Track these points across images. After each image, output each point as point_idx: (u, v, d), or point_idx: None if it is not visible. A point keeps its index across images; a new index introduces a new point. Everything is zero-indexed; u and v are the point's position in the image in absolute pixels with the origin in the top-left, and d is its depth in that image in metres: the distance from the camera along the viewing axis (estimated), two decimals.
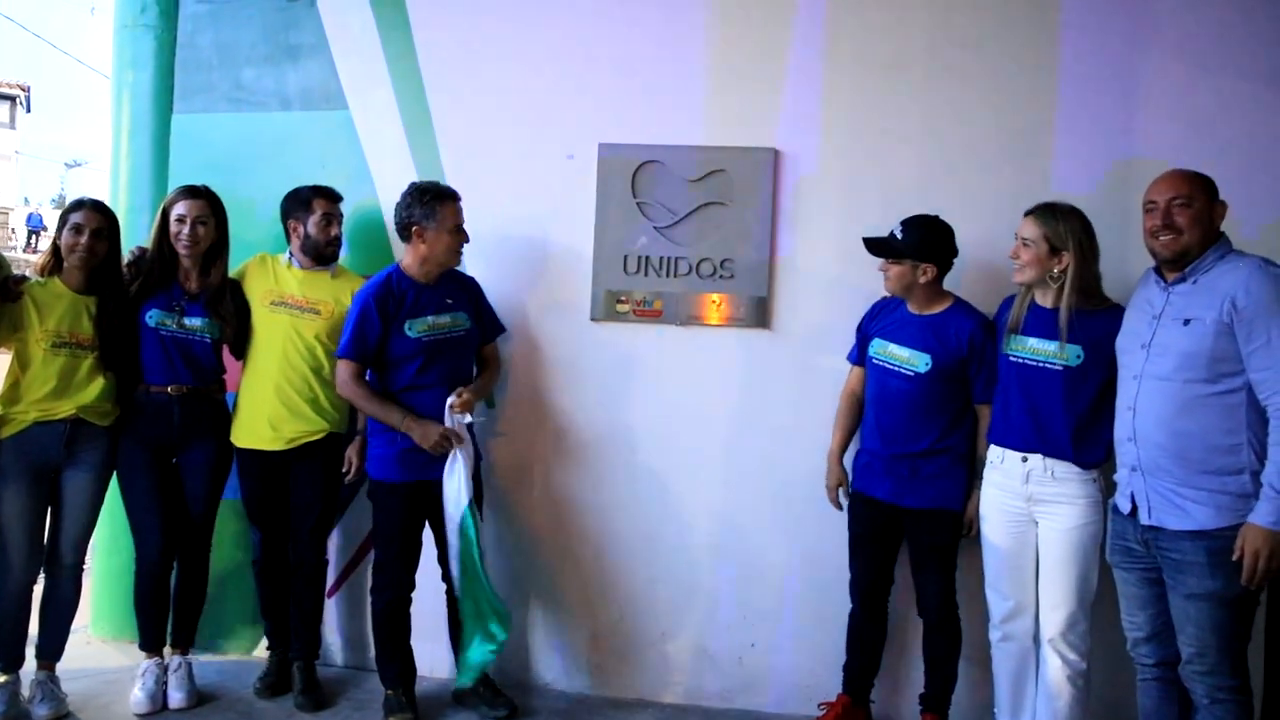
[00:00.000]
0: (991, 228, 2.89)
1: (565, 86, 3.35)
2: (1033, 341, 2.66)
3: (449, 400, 2.97)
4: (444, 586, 3.11)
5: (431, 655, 3.24)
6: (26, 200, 31.45)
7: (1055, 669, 2.65)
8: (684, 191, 3.27)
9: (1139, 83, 3.03)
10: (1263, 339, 2.23)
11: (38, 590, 3.02)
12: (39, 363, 2.90)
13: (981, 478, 2.81)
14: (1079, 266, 2.57)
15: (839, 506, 3.06)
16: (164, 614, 3.17)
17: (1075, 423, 2.60)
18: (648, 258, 3.29)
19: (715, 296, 3.26)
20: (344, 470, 3.23)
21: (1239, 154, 2.88)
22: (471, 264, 3.23)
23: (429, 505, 3.01)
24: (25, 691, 3.00)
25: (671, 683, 3.33)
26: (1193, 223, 2.36)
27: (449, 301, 3.05)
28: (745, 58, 3.24)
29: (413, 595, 3.09)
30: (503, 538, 3.39)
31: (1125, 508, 2.46)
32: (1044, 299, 2.66)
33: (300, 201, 3.16)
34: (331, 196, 3.18)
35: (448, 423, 2.95)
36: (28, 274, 3.03)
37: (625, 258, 3.30)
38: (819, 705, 3.08)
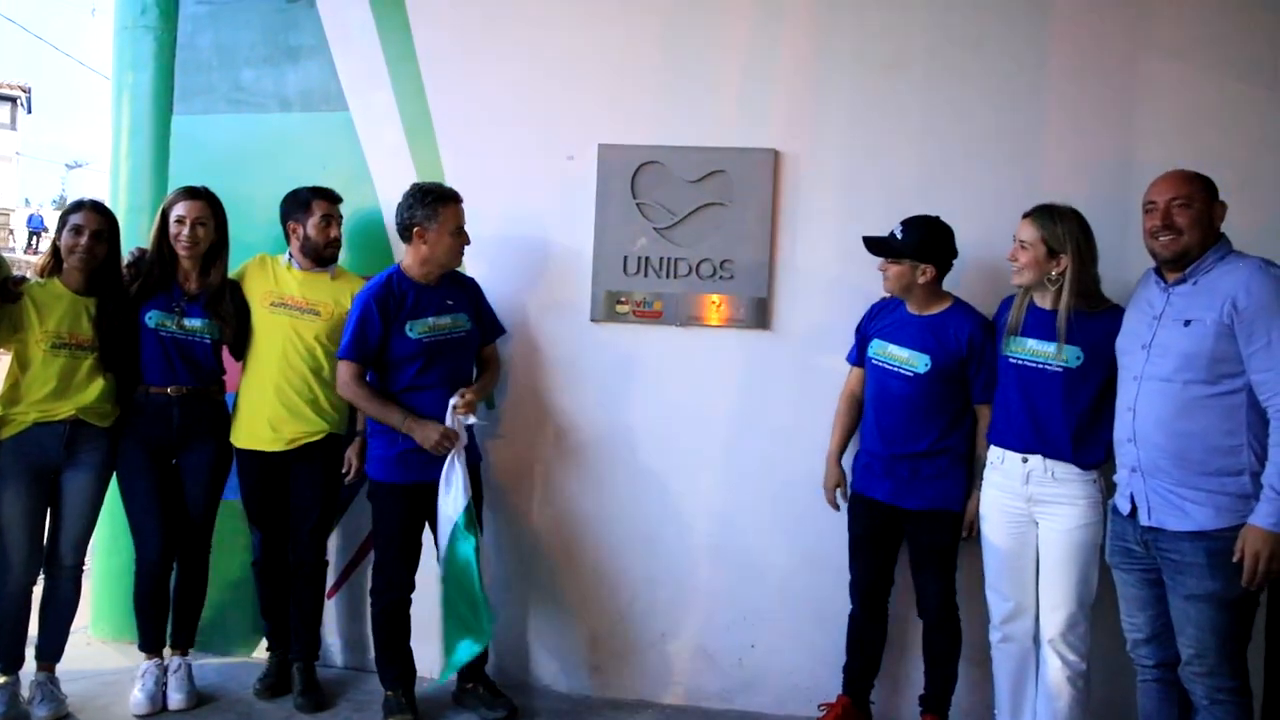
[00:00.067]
0: (991, 228, 2.89)
1: (565, 87, 3.35)
2: (1032, 343, 2.66)
3: (452, 401, 2.97)
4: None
5: (431, 656, 3.23)
6: (27, 201, 31.49)
7: (1055, 670, 2.65)
8: (684, 192, 3.27)
9: (1138, 82, 3.03)
10: (1263, 340, 2.23)
11: (37, 591, 3.02)
12: (39, 363, 2.90)
13: (981, 478, 2.80)
14: (1077, 269, 2.57)
15: (836, 507, 3.06)
16: (164, 615, 3.17)
17: (1075, 424, 2.60)
18: (648, 258, 3.29)
19: (715, 297, 3.26)
20: (344, 471, 3.22)
21: (1238, 154, 2.88)
22: (471, 264, 3.23)
23: (429, 506, 3.01)
24: (25, 692, 3.00)
25: (671, 683, 3.33)
26: (1193, 223, 2.36)
27: (450, 303, 3.06)
28: (745, 58, 3.24)
29: (412, 596, 3.09)
30: (502, 538, 3.39)
31: (1125, 509, 2.46)
32: (1043, 300, 2.66)
33: (299, 203, 3.16)
34: (331, 198, 3.18)
35: (449, 423, 2.95)
36: (28, 275, 3.03)
37: (625, 258, 3.30)
38: (819, 706, 3.08)
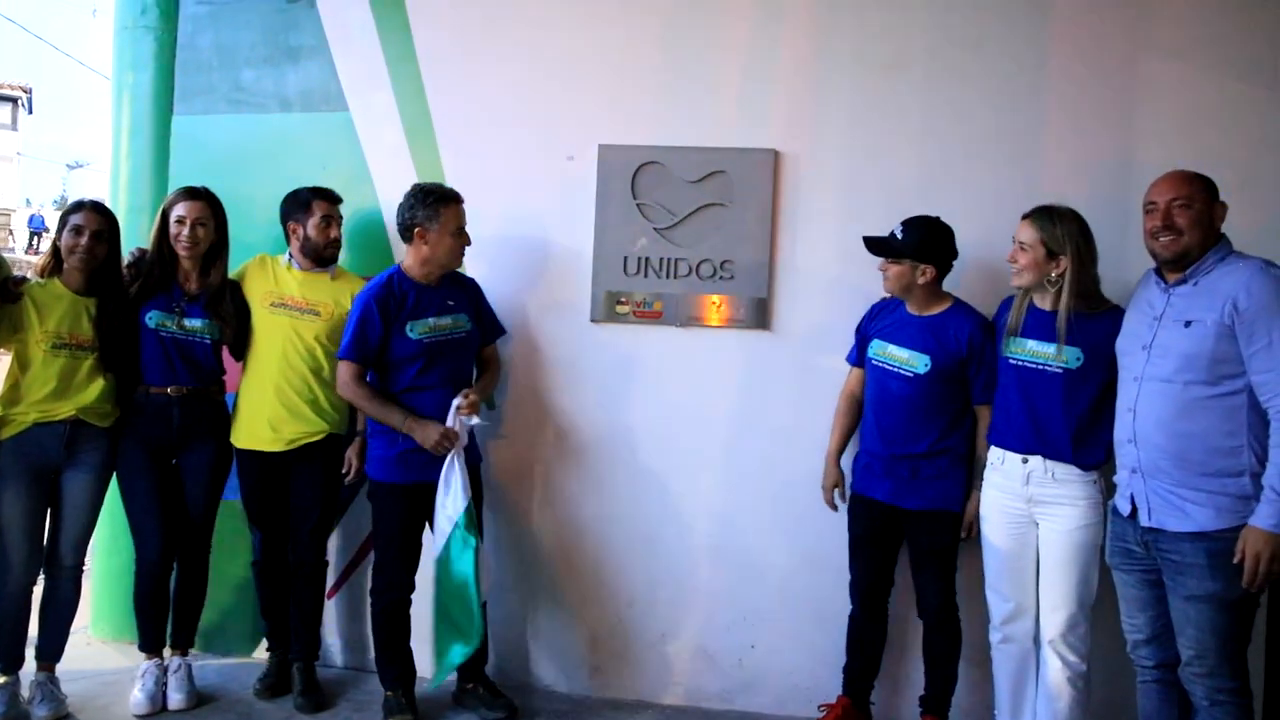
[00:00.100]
0: (991, 228, 2.89)
1: (565, 88, 3.35)
2: (1031, 344, 2.65)
3: (456, 402, 2.97)
4: None
5: (431, 656, 3.23)
6: (28, 202, 31.49)
7: (1055, 670, 2.64)
8: (684, 192, 3.27)
9: (1138, 83, 3.02)
10: (1264, 341, 2.23)
11: (37, 591, 3.02)
12: (39, 364, 2.90)
13: (981, 479, 2.80)
14: (1076, 270, 2.57)
15: (834, 507, 3.07)
16: (164, 615, 3.17)
17: (1075, 425, 2.60)
18: (648, 259, 3.29)
19: (715, 298, 3.26)
20: (344, 471, 3.23)
21: (1238, 154, 2.88)
22: (472, 265, 3.23)
23: (429, 506, 3.01)
24: (25, 692, 3.00)
25: (671, 684, 3.33)
26: (1193, 224, 2.36)
27: (450, 303, 3.06)
28: (745, 59, 3.24)
29: (412, 597, 3.08)
30: (502, 538, 3.39)
31: (1125, 509, 2.46)
32: (1042, 302, 2.66)
33: (299, 203, 3.16)
34: (331, 198, 3.18)
35: (451, 423, 2.94)
36: (28, 275, 3.03)
37: (625, 259, 3.30)
38: (819, 707, 3.08)
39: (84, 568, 3.10)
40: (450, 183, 3.18)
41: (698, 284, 3.27)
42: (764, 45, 3.23)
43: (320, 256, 3.18)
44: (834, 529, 3.06)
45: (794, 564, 3.23)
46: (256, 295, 3.17)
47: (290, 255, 3.21)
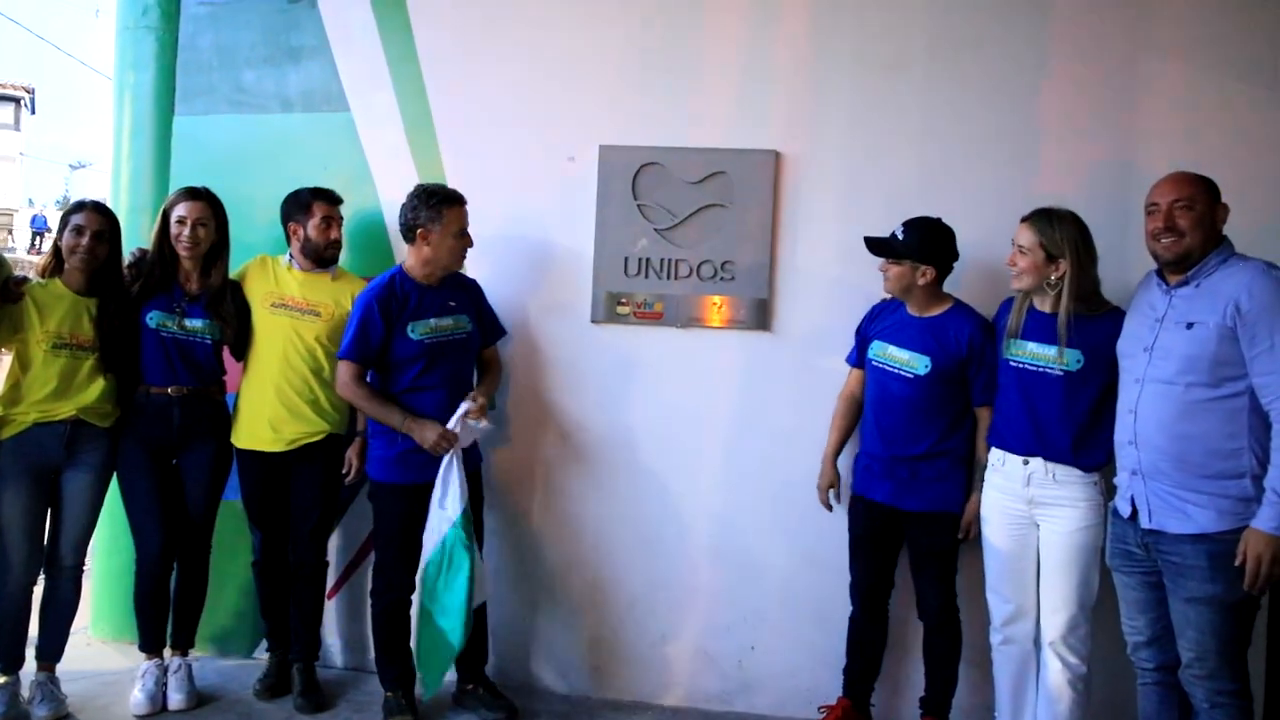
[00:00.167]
0: (992, 229, 2.88)
1: (566, 88, 3.35)
2: (1032, 346, 2.65)
3: (464, 406, 2.96)
4: None
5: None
6: (31, 202, 31.50)
7: (1056, 672, 2.64)
8: (685, 193, 3.27)
9: (1138, 83, 3.02)
10: (1266, 343, 2.23)
11: (38, 591, 3.02)
12: (39, 364, 2.90)
13: (981, 481, 2.80)
14: (1076, 273, 2.56)
15: (829, 508, 3.06)
16: (164, 615, 3.17)
17: (1075, 428, 2.60)
18: (648, 260, 3.29)
19: (716, 298, 3.26)
20: (344, 472, 3.23)
21: (1239, 155, 2.88)
22: (472, 265, 3.23)
23: (429, 507, 3.01)
24: (25, 692, 3.00)
25: (671, 685, 3.33)
26: (1195, 225, 2.35)
27: (452, 304, 3.06)
28: (745, 60, 3.24)
29: (413, 597, 3.08)
30: (503, 539, 3.39)
31: (1125, 511, 2.45)
32: (1042, 304, 2.66)
33: (300, 204, 3.16)
34: (331, 199, 3.18)
35: (453, 426, 2.94)
36: (29, 275, 3.04)
37: (626, 260, 3.30)
38: (819, 708, 3.07)
39: (84, 568, 3.10)
40: (451, 183, 3.18)
41: (698, 285, 3.26)
42: (764, 46, 3.23)
43: (321, 257, 3.18)
44: (834, 530, 3.06)
45: (794, 565, 3.23)
46: (257, 296, 3.17)
47: (291, 256, 3.21)
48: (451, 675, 3.20)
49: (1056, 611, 2.63)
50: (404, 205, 3.00)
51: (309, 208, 3.15)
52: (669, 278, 3.28)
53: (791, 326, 3.23)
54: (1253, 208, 2.69)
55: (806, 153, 3.21)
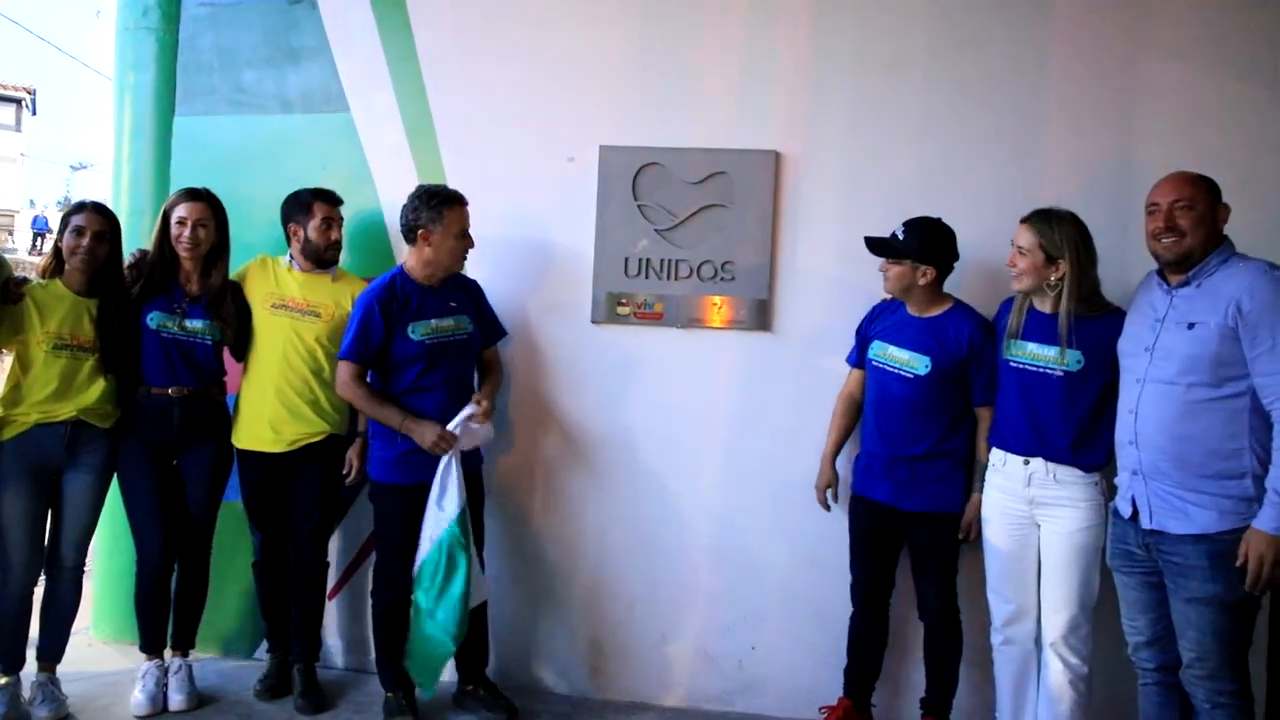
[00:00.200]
0: (992, 229, 2.88)
1: (566, 88, 3.35)
2: (1032, 347, 2.65)
3: (469, 410, 2.96)
4: None
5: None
6: (32, 203, 31.51)
7: (1057, 673, 2.64)
8: (685, 194, 3.27)
9: (1138, 83, 3.02)
10: (1267, 344, 2.22)
11: (39, 592, 3.02)
12: (40, 365, 2.90)
13: (980, 481, 2.80)
14: (1076, 274, 2.56)
15: (826, 507, 3.07)
16: (164, 616, 3.17)
17: (1075, 428, 2.59)
18: (649, 260, 3.29)
19: (716, 299, 3.26)
20: (344, 472, 3.23)
21: (1239, 155, 2.87)
22: (472, 266, 3.23)
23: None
24: (26, 693, 3.00)
25: (672, 685, 3.32)
26: (1195, 225, 2.35)
27: (452, 305, 3.06)
28: (746, 60, 3.24)
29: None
30: (503, 539, 3.39)
31: (1126, 511, 2.45)
32: (1042, 304, 2.65)
33: (300, 205, 3.16)
34: (331, 200, 3.18)
35: (455, 428, 2.94)
36: (29, 276, 3.04)
37: (626, 260, 3.30)
38: (820, 709, 3.07)
39: (85, 569, 3.11)
40: (451, 184, 3.18)
41: (699, 285, 3.26)
42: (764, 46, 3.23)
43: (321, 258, 3.18)
44: (834, 530, 3.06)
45: (795, 565, 3.23)
46: (257, 296, 3.17)
47: (291, 257, 3.21)
48: (452, 676, 3.21)
49: (1057, 612, 2.63)
50: (405, 206, 3.00)
51: (309, 208, 3.15)
52: (669, 278, 3.28)
53: (792, 327, 3.23)
54: (1253, 208, 2.69)
55: (807, 153, 3.21)
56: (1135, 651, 2.51)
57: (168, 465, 3.09)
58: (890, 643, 3.03)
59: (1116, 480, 2.52)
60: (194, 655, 3.25)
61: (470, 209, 3.05)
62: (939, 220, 2.83)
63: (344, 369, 2.99)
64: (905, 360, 2.83)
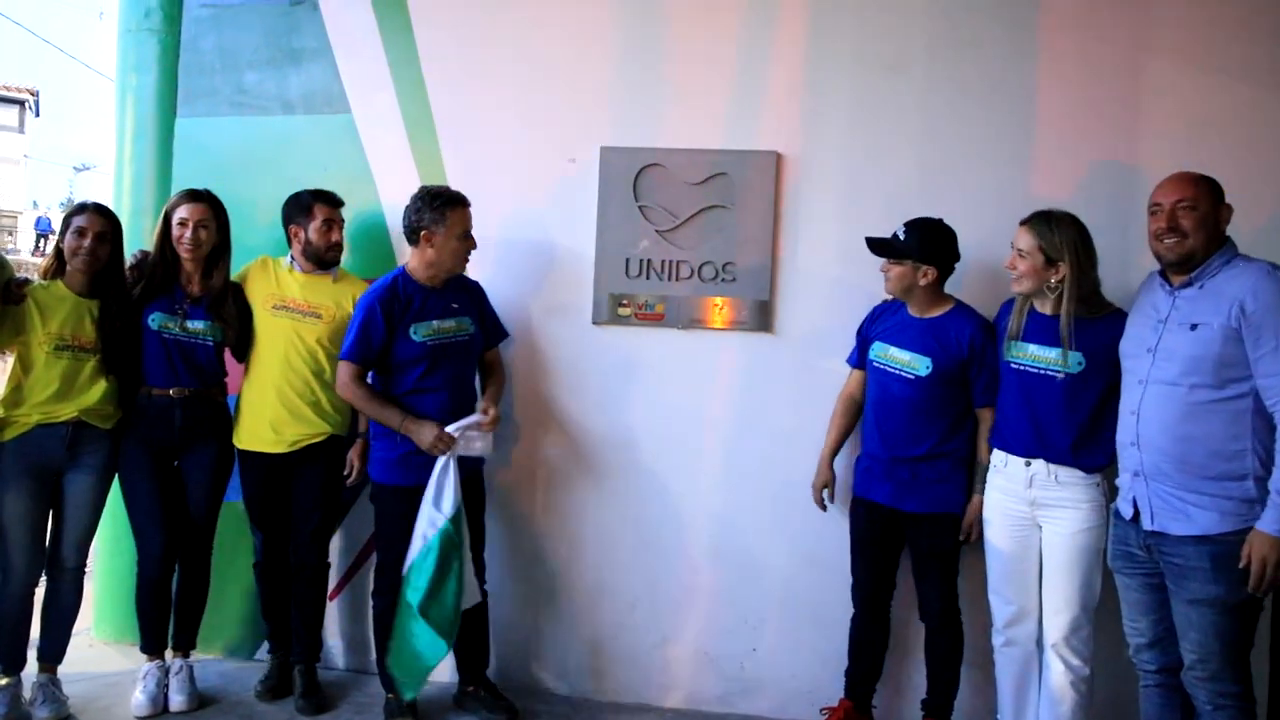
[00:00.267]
0: (992, 229, 2.88)
1: (567, 90, 3.36)
2: (1033, 348, 2.65)
3: (474, 419, 2.96)
4: None
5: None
6: (35, 204, 31.57)
7: (1058, 674, 2.63)
8: (686, 195, 3.27)
9: (1139, 84, 3.02)
10: (1270, 345, 2.22)
11: (40, 593, 3.02)
12: (41, 365, 2.90)
13: (981, 482, 2.80)
14: (1076, 276, 2.56)
15: (823, 508, 3.06)
16: (165, 616, 3.17)
17: (1076, 430, 2.59)
18: (649, 261, 3.29)
19: (717, 300, 3.26)
20: (345, 473, 3.23)
21: (1239, 155, 2.87)
22: (473, 267, 3.21)
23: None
24: (27, 694, 3.00)
25: (672, 687, 3.32)
26: (1198, 226, 2.34)
27: (454, 306, 3.06)
28: (746, 61, 3.24)
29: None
30: (504, 540, 3.39)
31: (1127, 513, 2.45)
32: (1043, 306, 2.65)
33: (301, 206, 3.16)
34: (333, 202, 3.18)
35: (453, 429, 2.94)
36: (31, 277, 3.04)
37: (627, 261, 3.30)
38: (821, 710, 3.07)
39: (86, 569, 3.11)
40: (452, 184, 3.17)
41: (700, 286, 3.26)
42: (765, 47, 3.23)
43: (322, 260, 3.18)
44: (835, 532, 3.06)
45: (795, 566, 3.22)
46: (258, 298, 3.17)
47: (292, 258, 3.21)
48: (453, 676, 3.21)
49: (1059, 613, 2.62)
50: (408, 207, 3.00)
51: (310, 210, 3.15)
52: (670, 279, 3.28)
53: (793, 328, 3.23)
54: (1255, 208, 2.70)
55: (807, 153, 3.21)
56: (1137, 653, 2.51)
57: (169, 466, 3.10)
58: (891, 644, 3.03)
59: (1118, 481, 2.51)
60: (195, 656, 3.25)
61: (471, 210, 3.05)
62: (940, 221, 2.83)
63: (344, 369, 2.99)
64: (906, 361, 2.83)
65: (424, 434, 2.91)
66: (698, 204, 3.26)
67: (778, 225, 3.23)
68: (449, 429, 2.93)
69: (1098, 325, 2.58)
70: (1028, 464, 2.65)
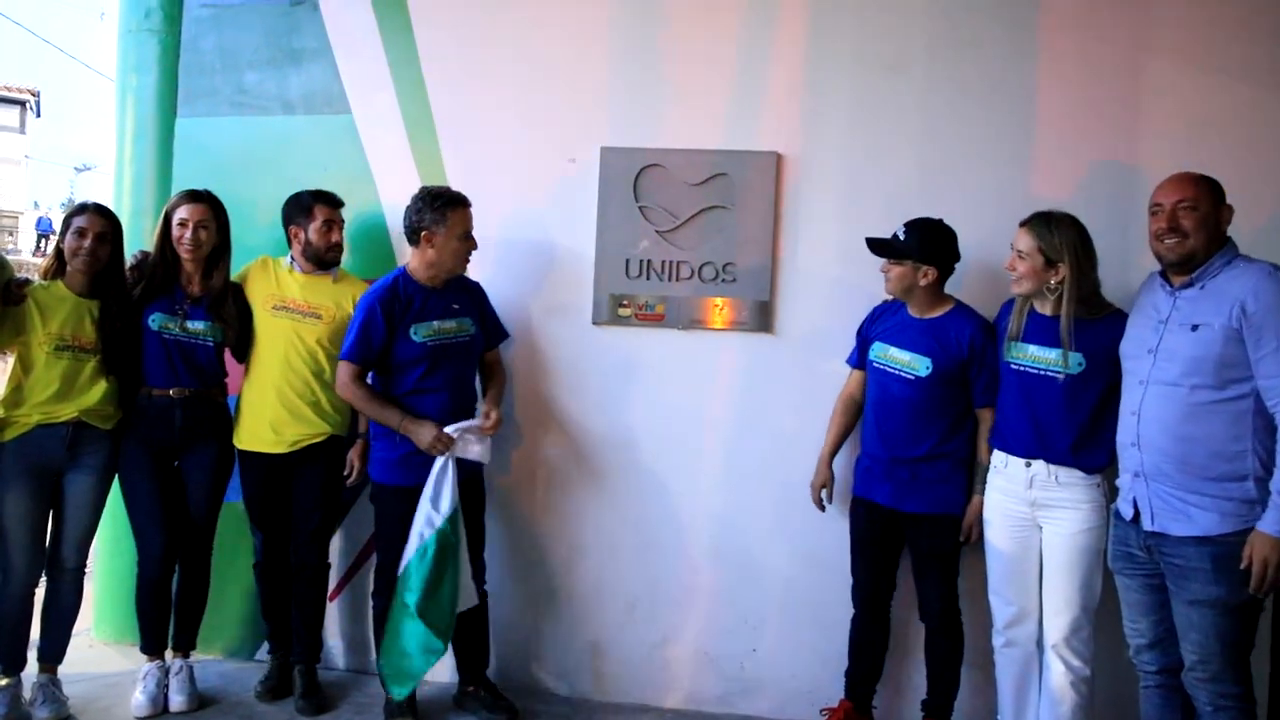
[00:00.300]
0: (992, 229, 2.88)
1: (567, 90, 3.35)
2: (1033, 349, 2.64)
3: (475, 422, 2.96)
4: None
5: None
6: (36, 204, 31.59)
7: (1058, 675, 2.63)
8: (686, 195, 3.27)
9: (1140, 84, 3.01)
10: (1271, 345, 2.22)
11: (40, 593, 3.02)
12: (42, 366, 2.90)
13: (982, 483, 2.79)
14: (1075, 277, 2.55)
15: (821, 508, 3.06)
16: (165, 617, 3.17)
17: (1076, 431, 2.59)
18: (650, 261, 3.29)
19: (718, 300, 3.26)
20: (345, 473, 3.23)
21: (1241, 156, 2.86)
22: (473, 267, 3.21)
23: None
24: (27, 694, 3.00)
25: (672, 687, 3.32)
26: (1198, 226, 2.34)
27: (455, 307, 3.06)
28: (746, 61, 3.24)
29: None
30: (504, 540, 3.39)
31: (1127, 513, 2.44)
32: (1043, 307, 2.65)
33: (301, 207, 3.16)
34: (333, 202, 3.18)
35: (453, 430, 2.93)
36: (31, 277, 3.04)
37: (627, 261, 3.29)
38: (821, 711, 3.07)
39: (86, 570, 3.11)
40: (452, 185, 3.17)
41: (700, 287, 3.26)
42: (765, 47, 3.22)
43: (322, 260, 3.18)
44: (835, 532, 3.06)
45: (795, 567, 3.22)
46: (258, 298, 3.17)
47: (292, 258, 3.21)
48: (453, 677, 3.21)
49: (1059, 614, 2.62)
50: (408, 207, 3.00)
51: (310, 210, 3.15)
52: (670, 279, 3.28)
53: (793, 328, 3.23)
54: (1255, 208, 2.69)
55: (807, 154, 3.21)
56: (1137, 654, 2.50)
57: (169, 466, 3.10)
58: (891, 645, 3.03)
59: (1118, 482, 2.51)
60: (195, 656, 3.25)
61: (472, 210, 3.05)
62: (940, 221, 2.83)
63: (344, 369, 2.98)
64: (906, 361, 2.83)
65: (423, 434, 2.91)
66: (698, 204, 3.26)
67: (778, 225, 3.23)
68: (448, 429, 2.94)
69: (1098, 326, 2.58)
70: (1028, 464, 2.65)
